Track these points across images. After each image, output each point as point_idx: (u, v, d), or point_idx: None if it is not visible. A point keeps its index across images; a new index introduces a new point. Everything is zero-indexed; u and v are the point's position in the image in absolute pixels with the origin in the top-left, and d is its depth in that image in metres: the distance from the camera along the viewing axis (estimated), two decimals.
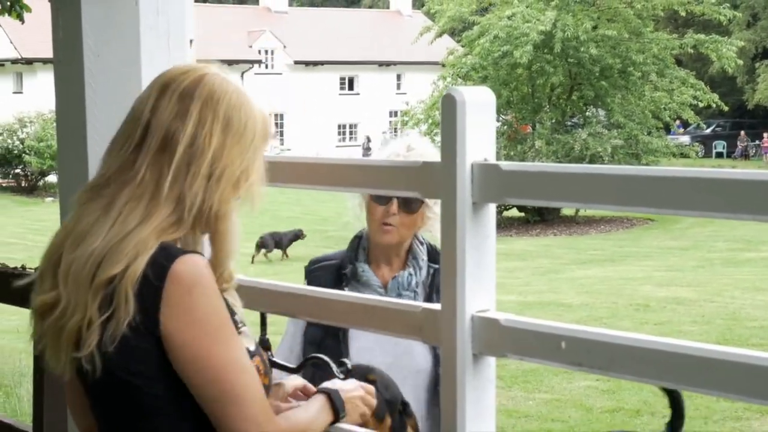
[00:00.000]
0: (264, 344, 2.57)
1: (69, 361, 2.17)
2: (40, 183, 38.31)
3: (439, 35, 32.88)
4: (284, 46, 54.91)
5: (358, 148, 53.12)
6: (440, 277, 2.13)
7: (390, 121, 52.86)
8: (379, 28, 59.03)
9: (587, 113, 30.73)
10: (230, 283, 2.27)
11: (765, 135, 50.87)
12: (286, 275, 17.05)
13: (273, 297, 2.55)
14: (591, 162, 26.75)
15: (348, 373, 2.44)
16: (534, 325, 2.03)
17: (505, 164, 2.04)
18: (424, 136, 3.80)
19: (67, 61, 2.89)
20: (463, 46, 31.94)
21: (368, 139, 52.88)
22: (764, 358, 1.75)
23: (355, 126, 56.92)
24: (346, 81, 57.35)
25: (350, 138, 56.77)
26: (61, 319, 2.14)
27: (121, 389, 2.15)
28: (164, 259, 2.10)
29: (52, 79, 3.07)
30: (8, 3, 9.46)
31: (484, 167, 2.06)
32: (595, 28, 29.30)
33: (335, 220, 23.83)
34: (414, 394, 3.02)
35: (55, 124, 3.12)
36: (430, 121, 29.88)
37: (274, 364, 2.56)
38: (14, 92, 47.78)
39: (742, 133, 52.80)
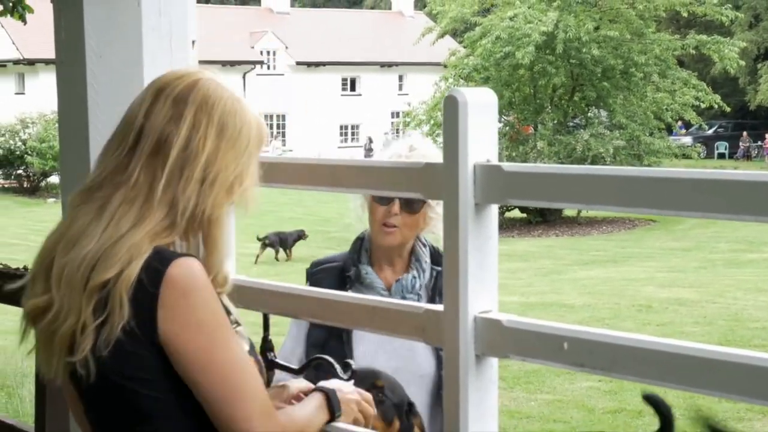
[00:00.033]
0: (267, 345, 2.57)
1: (62, 366, 2.17)
2: (42, 184, 38.33)
3: (441, 36, 32.87)
4: (286, 47, 54.92)
5: (359, 149, 53.12)
6: (443, 278, 2.12)
7: (392, 122, 52.88)
8: (381, 29, 59.04)
9: (589, 114, 30.72)
10: (224, 286, 2.27)
11: (767, 136, 50.85)
12: (288, 276, 17.05)
13: (276, 298, 2.55)
14: (593, 163, 26.77)
15: (352, 374, 2.44)
16: (536, 326, 2.03)
17: (508, 165, 2.04)
18: (426, 137, 3.79)
19: (70, 62, 2.89)
20: (465, 47, 31.95)
21: (370, 140, 52.88)
22: (766, 359, 1.75)
23: (357, 127, 56.93)
24: (348, 82, 57.37)
25: (352, 139, 56.78)
26: (53, 323, 2.14)
27: (116, 393, 2.15)
28: (159, 263, 2.10)
29: (54, 80, 3.07)
30: (10, 4, 9.46)
31: (487, 168, 2.06)
32: (597, 28, 29.29)
33: (337, 221, 23.83)
34: (418, 398, 3.01)
35: (57, 125, 3.12)
36: (432, 122, 29.87)
37: (277, 365, 2.56)
38: (16, 93, 47.80)
39: (744, 134, 52.77)
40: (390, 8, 65.21)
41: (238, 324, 2.28)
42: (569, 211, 28.38)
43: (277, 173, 2.58)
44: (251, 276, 2.72)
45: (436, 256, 3.31)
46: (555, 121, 29.83)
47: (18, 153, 37.13)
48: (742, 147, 52.52)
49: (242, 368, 2.15)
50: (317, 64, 55.74)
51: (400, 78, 57.57)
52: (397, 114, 47.38)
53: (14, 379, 9.08)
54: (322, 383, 2.41)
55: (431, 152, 3.23)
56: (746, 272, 18.09)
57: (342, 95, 57.01)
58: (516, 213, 29.03)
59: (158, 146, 2.17)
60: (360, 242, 3.34)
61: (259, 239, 21.82)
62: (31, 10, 9.55)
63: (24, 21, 9.56)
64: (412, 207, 3.21)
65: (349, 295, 2.51)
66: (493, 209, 2.10)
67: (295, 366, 2.63)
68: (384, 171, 2.35)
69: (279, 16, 57.97)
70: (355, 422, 2.40)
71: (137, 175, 2.16)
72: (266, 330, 2.59)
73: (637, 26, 29.59)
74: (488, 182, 2.05)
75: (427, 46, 33.83)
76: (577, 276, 18.68)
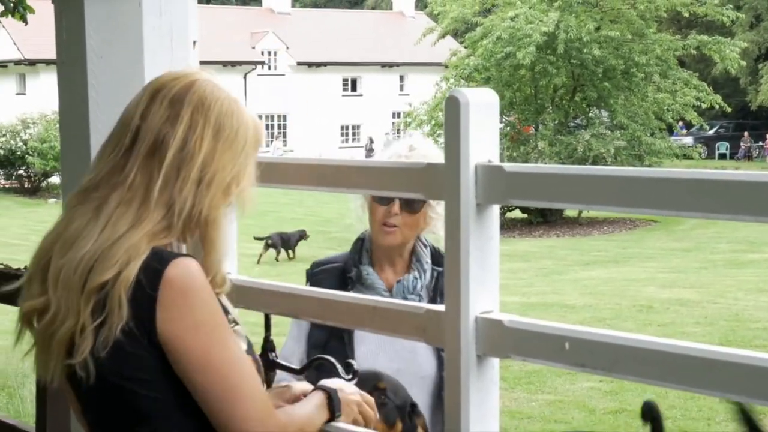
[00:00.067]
0: (268, 345, 2.57)
1: (60, 368, 2.16)
2: (43, 184, 38.33)
3: (442, 36, 32.88)
4: (287, 47, 54.92)
5: (361, 149, 53.13)
6: (444, 278, 2.12)
7: (393, 123, 52.88)
8: (382, 29, 59.05)
9: (590, 114, 30.71)
10: (223, 287, 2.27)
11: None
12: (290, 276, 17.05)
13: (277, 298, 2.55)
14: (594, 163, 26.77)
15: (354, 375, 2.44)
16: (537, 326, 2.03)
17: (509, 165, 2.04)
18: (427, 137, 3.78)
19: (70, 62, 2.90)
20: (466, 48, 31.95)
21: (371, 141, 52.89)
22: (767, 360, 1.74)
23: (358, 127, 56.94)
24: (349, 82, 57.37)
25: (353, 139, 56.79)
26: (51, 325, 2.14)
27: (114, 394, 2.15)
28: (157, 263, 2.10)
29: (55, 80, 3.07)
30: (11, 4, 9.46)
31: (488, 168, 2.06)
32: (598, 29, 29.29)
33: (338, 221, 23.84)
34: (419, 400, 3.01)
35: (58, 125, 3.13)
36: (433, 122, 29.88)
37: (278, 366, 2.56)
38: (17, 93, 47.82)
39: (746, 134, 52.77)
40: (391, 8, 65.20)
41: (236, 323, 2.28)
42: (570, 212, 28.38)
43: (278, 173, 2.58)
44: (253, 276, 2.72)
45: (436, 257, 3.31)
46: (556, 122, 29.84)
47: (19, 153, 37.14)
48: (743, 147, 52.51)
49: (241, 368, 2.15)
50: (318, 65, 55.75)
51: (401, 78, 57.57)
52: (398, 114, 47.39)
53: (15, 379, 9.08)
54: (324, 382, 2.41)
55: (431, 152, 3.23)
56: (747, 273, 18.08)
57: (343, 95, 57.01)
58: (517, 213, 29.03)
59: (155, 147, 2.17)
60: (361, 243, 3.33)
61: (256, 239, 21.79)
62: (32, 11, 9.55)
63: (25, 21, 9.56)
64: (412, 207, 3.20)
65: (350, 295, 2.51)
66: (495, 209, 2.10)
67: (296, 366, 2.63)
68: (385, 171, 2.35)
69: (280, 16, 57.98)
70: (355, 423, 2.40)
71: (134, 176, 2.16)
72: (267, 330, 2.59)
73: (638, 26, 29.59)
74: (489, 182, 2.05)
75: (428, 46, 33.84)
76: (578, 276, 18.68)
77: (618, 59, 29.06)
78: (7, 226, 27.91)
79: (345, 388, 2.41)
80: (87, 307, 2.09)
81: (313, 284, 3.21)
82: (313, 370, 2.57)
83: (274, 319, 2.62)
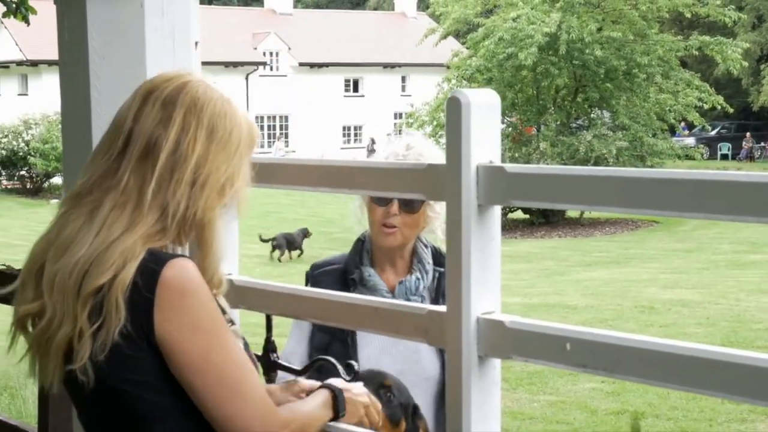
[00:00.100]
0: (270, 346, 2.57)
1: (58, 373, 2.16)
2: (45, 185, 38.34)
3: (444, 37, 32.87)
4: (289, 48, 54.94)
5: (362, 150, 53.13)
6: (445, 279, 2.12)
7: (395, 123, 52.86)
8: (384, 30, 59.06)
9: (592, 115, 30.70)
10: (220, 288, 2.26)
11: None
12: (292, 277, 17.05)
13: (279, 299, 2.55)
14: (596, 164, 26.75)
15: (355, 376, 2.44)
16: (539, 327, 2.03)
17: (510, 166, 2.04)
18: (424, 136, 3.76)
19: (73, 62, 2.90)
20: (467, 48, 31.94)
21: (372, 141, 52.88)
22: None
23: (360, 128, 56.94)
24: (351, 83, 57.38)
25: (355, 140, 56.80)
26: (47, 331, 2.13)
27: (113, 397, 2.14)
28: (153, 264, 2.10)
29: (57, 81, 3.07)
30: (14, 5, 9.47)
31: (490, 169, 2.06)
32: (599, 29, 29.28)
33: (339, 222, 23.85)
34: (423, 401, 3.01)
35: (60, 126, 3.13)
36: (434, 122, 29.88)
37: (280, 366, 2.56)
38: (19, 94, 47.86)
39: (748, 134, 52.76)
40: (393, 9, 65.23)
41: (233, 323, 2.27)
42: (572, 213, 28.37)
43: (279, 174, 2.58)
44: (254, 277, 2.72)
45: (437, 257, 3.30)
46: (558, 122, 29.83)
47: (21, 154, 37.14)
48: (745, 148, 52.50)
49: (240, 367, 2.15)
50: (320, 65, 55.76)
51: (403, 79, 57.59)
52: (400, 115, 47.37)
53: (17, 380, 9.08)
54: (330, 381, 2.41)
55: (428, 151, 3.22)
56: (749, 273, 18.07)
57: (345, 96, 57.02)
58: (519, 214, 29.02)
59: (147, 150, 2.16)
60: (361, 244, 3.32)
61: (262, 240, 21.97)
62: (34, 12, 9.56)
63: (27, 22, 9.57)
64: (411, 207, 3.19)
65: (351, 296, 2.51)
66: (496, 210, 2.10)
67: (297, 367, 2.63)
68: (387, 172, 2.35)
69: (282, 17, 58.00)
70: (359, 424, 2.40)
71: (127, 179, 2.15)
72: (269, 331, 2.59)
73: (640, 27, 29.57)
74: (491, 183, 2.05)
75: (430, 47, 33.84)
76: (579, 277, 18.67)
77: (620, 60, 29.04)
78: (9, 227, 27.91)
79: (353, 388, 2.41)
80: (83, 311, 2.08)
81: (313, 286, 3.18)
82: (314, 371, 2.57)
83: (275, 320, 2.62)
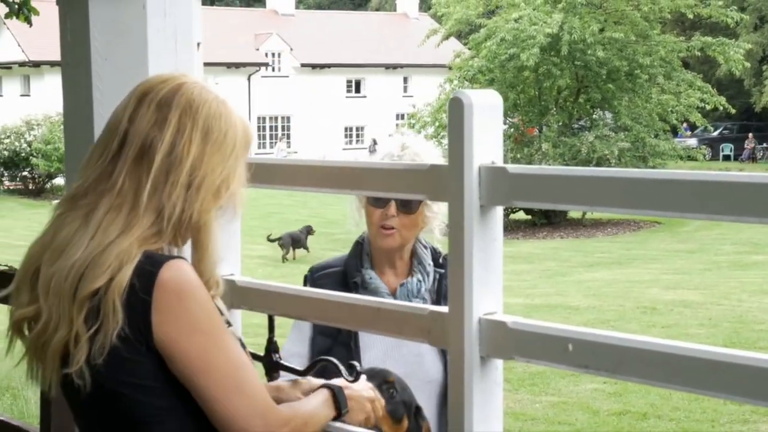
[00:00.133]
0: (272, 346, 2.57)
1: (55, 377, 2.15)
2: (48, 186, 38.35)
3: (446, 38, 32.87)
4: (291, 49, 54.94)
5: (364, 150, 53.12)
6: (447, 279, 2.13)
7: (397, 124, 52.82)
8: (386, 31, 59.05)
9: (594, 116, 30.69)
10: (217, 289, 2.26)
11: None
12: (294, 278, 17.05)
13: (281, 299, 2.55)
14: (598, 165, 26.75)
15: (357, 376, 2.44)
16: (541, 328, 2.03)
17: (513, 167, 2.04)
18: (419, 135, 3.74)
19: (75, 63, 2.90)
20: (469, 49, 31.93)
21: (374, 142, 52.84)
22: None
23: (362, 129, 56.94)
24: (353, 84, 57.38)
25: (357, 141, 56.79)
26: (44, 335, 2.12)
27: (111, 401, 2.14)
28: (150, 266, 2.09)
29: (59, 81, 3.08)
30: (16, 6, 9.48)
31: (492, 170, 2.06)
32: (602, 30, 29.28)
33: (341, 222, 23.87)
34: (426, 404, 3.00)
35: (62, 127, 3.13)
36: (437, 123, 29.88)
37: (282, 367, 2.56)
38: (21, 95, 47.88)
39: (750, 135, 52.73)
40: (395, 10, 65.22)
41: (230, 324, 2.27)
42: (574, 213, 28.37)
43: (282, 175, 2.58)
44: (256, 277, 2.72)
45: (437, 258, 3.29)
46: (560, 123, 29.81)
47: (23, 155, 37.15)
48: (747, 149, 52.47)
49: (240, 367, 2.15)
50: (322, 66, 55.76)
51: (405, 80, 57.57)
52: (402, 116, 47.41)
53: (19, 380, 9.08)
54: (331, 380, 2.41)
55: (424, 150, 3.21)
56: (751, 274, 18.06)
57: (347, 97, 57.02)
58: (521, 215, 29.03)
59: (142, 152, 2.15)
60: (360, 246, 3.30)
61: (270, 240, 22.24)
62: (36, 12, 9.57)
63: (29, 23, 9.57)
64: (409, 207, 3.17)
65: (353, 296, 2.51)
66: (498, 211, 2.10)
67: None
68: (389, 173, 2.35)
69: (284, 17, 58.00)
70: (367, 420, 2.41)
71: (122, 181, 2.14)
72: (271, 331, 2.59)
73: (642, 28, 29.56)
74: (493, 184, 2.05)
75: (432, 47, 33.83)
76: (581, 278, 18.67)
77: (622, 61, 29.04)
78: (11, 228, 27.92)
79: (355, 385, 2.41)
80: (80, 315, 2.08)
81: None
82: (317, 371, 2.56)
83: (277, 320, 2.62)
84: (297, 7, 62.59)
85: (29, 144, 37.17)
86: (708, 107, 30.35)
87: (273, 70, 54.96)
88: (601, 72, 29.28)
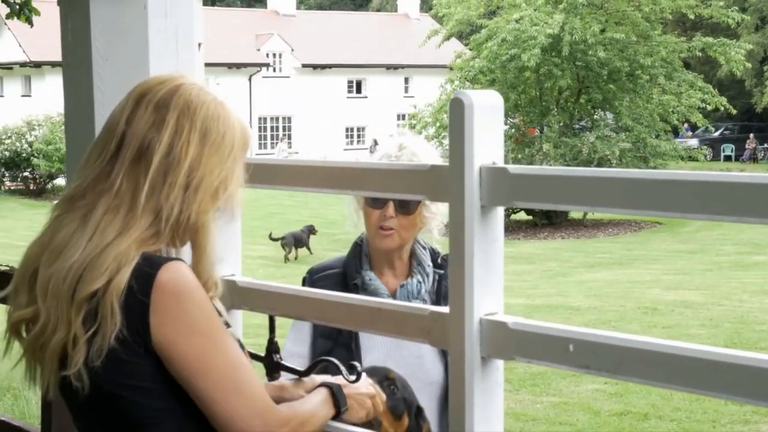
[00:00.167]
0: (273, 347, 2.57)
1: (53, 379, 2.15)
2: (49, 186, 38.35)
3: (447, 38, 32.87)
4: (292, 50, 54.94)
5: (366, 151, 53.11)
6: (448, 280, 2.13)
7: (398, 124, 52.80)
8: (387, 32, 59.05)
9: (595, 116, 30.69)
10: (216, 291, 2.26)
11: None
12: (295, 278, 17.03)
13: (282, 300, 2.55)
14: (599, 165, 26.74)
15: (358, 376, 2.44)
16: (542, 328, 2.03)
17: (513, 167, 2.04)
18: (416, 135, 3.71)
19: (76, 64, 2.90)
20: (470, 50, 31.93)
21: (375, 142, 52.81)
22: None
23: (363, 129, 56.94)
24: (354, 84, 57.38)
25: (358, 141, 56.79)
26: (42, 336, 2.12)
27: (110, 403, 2.14)
28: (148, 268, 2.09)
29: (60, 82, 3.08)
30: (17, 6, 9.48)
31: (493, 170, 2.06)
32: (603, 31, 29.27)
33: (342, 223, 23.86)
34: (427, 406, 2.99)
35: (63, 127, 3.13)
36: (437, 124, 29.87)
37: (283, 367, 2.56)
38: (23, 95, 47.89)
39: (751, 136, 52.73)
40: (396, 10, 65.23)
41: (228, 325, 2.27)
42: (575, 214, 28.36)
43: (283, 175, 2.58)
44: (257, 278, 2.72)
45: (436, 259, 3.29)
46: (561, 124, 29.81)
47: (24, 155, 37.15)
48: (748, 149, 52.47)
49: (239, 368, 2.16)
50: (323, 67, 55.76)
51: (406, 80, 57.57)
52: (403, 116, 47.40)
53: (20, 381, 9.07)
54: (330, 379, 2.42)
55: (422, 150, 3.21)
56: (752, 275, 18.06)
57: (348, 97, 57.02)
58: (522, 215, 29.02)
59: (140, 153, 2.15)
60: (359, 247, 3.29)
61: (272, 239, 22.33)
62: (37, 13, 9.56)
63: (31, 23, 9.57)
64: (407, 208, 3.16)
65: (354, 297, 2.51)
66: (499, 211, 2.10)
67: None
68: (390, 173, 2.35)
69: (285, 18, 58.00)
70: (368, 416, 2.41)
71: (120, 182, 2.14)
72: (272, 332, 2.59)
73: (643, 28, 29.56)
74: (494, 184, 2.05)
75: (433, 48, 33.83)
76: (582, 278, 18.66)
77: (623, 61, 29.03)
78: (13, 228, 27.93)
79: (356, 383, 2.41)
80: (78, 317, 2.07)
81: None
82: (318, 372, 2.56)
83: (278, 321, 2.62)
84: (298, 8, 62.60)
85: (30, 144, 37.16)
86: (709, 108, 30.35)
87: (274, 70, 54.97)
88: (602, 72, 29.28)
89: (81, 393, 2.12)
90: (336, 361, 2.48)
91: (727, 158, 52.66)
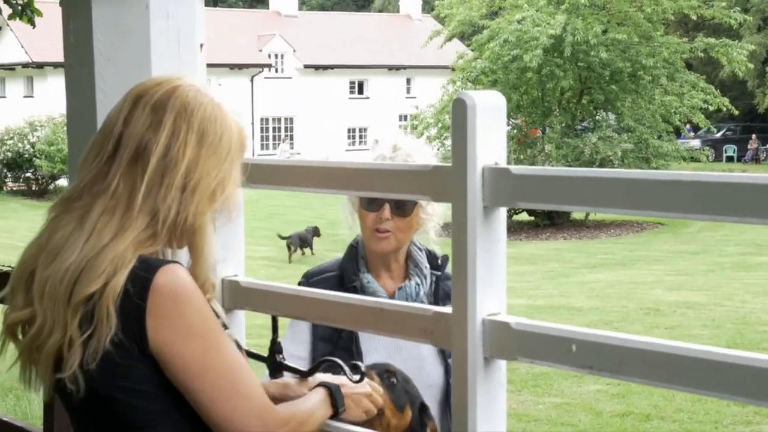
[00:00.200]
0: (275, 347, 2.57)
1: (49, 381, 2.15)
2: (51, 187, 38.34)
3: (449, 39, 32.88)
4: (294, 50, 54.94)
5: (368, 151, 52.99)
6: (450, 280, 2.13)
7: (400, 125, 52.78)
8: (389, 32, 59.03)
9: (597, 117, 30.69)
10: (213, 293, 2.26)
11: None
12: (297, 279, 17.01)
13: (284, 300, 2.55)
14: (601, 166, 26.71)
15: (362, 376, 2.44)
16: (544, 329, 2.03)
17: (516, 168, 2.04)
18: (409, 135, 3.70)
19: (78, 64, 2.90)
20: (472, 50, 31.94)
21: (377, 143, 52.79)
22: None
23: (365, 130, 56.92)
24: (356, 85, 57.36)
25: (360, 142, 56.77)
26: (38, 338, 2.12)
27: (105, 406, 2.13)
28: (145, 271, 2.09)
29: (62, 83, 3.08)
30: (19, 7, 9.48)
31: (495, 171, 2.06)
32: (605, 32, 29.27)
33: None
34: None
35: (65, 128, 3.13)
36: (439, 125, 29.87)
37: (286, 367, 2.56)
38: (25, 96, 47.90)
39: (753, 136, 52.69)
40: (398, 11, 65.21)
41: (226, 327, 2.26)
42: (577, 214, 28.36)
43: (284, 176, 2.58)
44: (259, 278, 2.72)
45: (432, 260, 3.28)
46: (563, 124, 29.81)
47: (26, 156, 37.16)
48: (750, 150, 52.43)
49: (237, 369, 2.16)
50: (325, 67, 55.75)
51: (408, 81, 57.55)
52: (405, 117, 47.33)
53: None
54: (327, 379, 2.42)
55: (416, 151, 3.19)
56: (754, 275, 18.06)
57: (350, 98, 57.00)
58: (524, 216, 29.01)
59: (137, 154, 2.15)
60: (354, 250, 3.28)
61: (281, 238, 22.65)
62: (40, 14, 9.57)
63: (33, 24, 9.58)
64: (403, 210, 3.15)
65: (356, 297, 2.51)
66: (502, 212, 2.10)
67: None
68: (392, 174, 2.35)
69: (287, 19, 57.99)
70: (367, 414, 2.42)
71: (116, 183, 2.14)
72: (275, 332, 2.59)
73: (645, 29, 29.56)
74: (497, 185, 2.05)
75: (435, 49, 33.83)
76: (585, 279, 18.66)
77: (625, 62, 29.03)
78: (15, 229, 27.95)
79: (348, 382, 2.41)
80: (74, 319, 2.07)
81: None
82: (321, 372, 2.56)
83: (281, 321, 2.62)
84: (300, 9, 62.57)
85: (32, 145, 37.17)
86: (711, 108, 30.35)
87: (276, 71, 54.96)
88: (604, 73, 29.28)
89: (76, 396, 2.11)
90: (339, 361, 2.48)
91: (730, 159, 52.63)
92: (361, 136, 57.08)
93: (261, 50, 54.37)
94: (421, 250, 3.28)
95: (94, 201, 2.14)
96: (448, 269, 3.30)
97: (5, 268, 4.39)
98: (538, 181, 2.04)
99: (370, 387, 2.45)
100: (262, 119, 53.71)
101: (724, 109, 30.53)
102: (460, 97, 2.06)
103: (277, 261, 22.31)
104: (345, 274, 3.25)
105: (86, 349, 2.06)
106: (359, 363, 2.48)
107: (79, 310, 2.07)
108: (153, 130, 2.16)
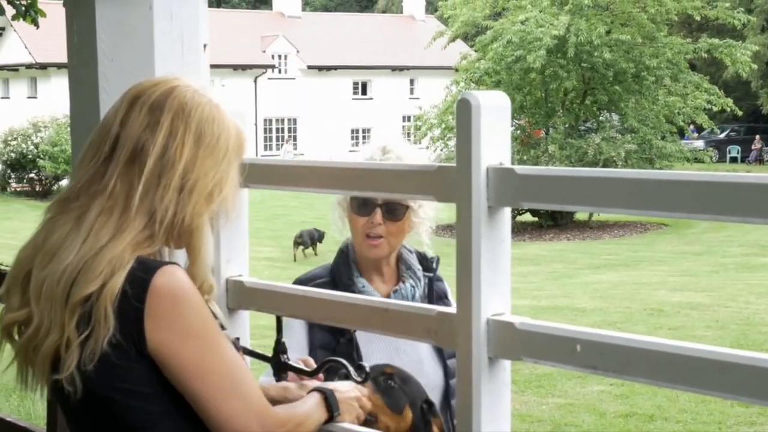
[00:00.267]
0: (280, 347, 2.57)
1: (46, 382, 2.15)
2: (55, 187, 38.38)
3: (453, 40, 32.89)
4: (297, 51, 54.96)
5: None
6: (455, 280, 2.12)
7: (403, 126, 52.86)
8: (393, 33, 59.04)
9: (601, 118, 30.70)
10: (211, 294, 2.25)
11: None
12: None
13: (288, 300, 2.55)
14: (604, 167, 26.69)
15: (366, 377, 2.44)
16: (549, 329, 2.03)
17: (520, 168, 2.04)
18: (397, 136, 3.66)
19: (82, 65, 2.91)
20: (476, 51, 31.95)
21: (366, 144, 52.71)
22: None
23: (368, 131, 56.89)
24: (360, 86, 57.37)
25: (363, 142, 56.73)
26: (34, 339, 2.11)
27: (103, 407, 2.13)
28: (143, 273, 2.08)
29: (66, 83, 3.08)
30: (23, 8, 9.49)
31: (500, 171, 2.06)
32: (608, 32, 29.27)
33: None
34: None
35: (69, 129, 3.13)
36: (443, 125, 29.89)
37: (290, 368, 2.56)
38: (28, 97, 47.94)
39: (757, 137, 52.67)
40: (401, 12, 65.19)
41: (223, 328, 2.26)
42: (581, 215, 28.35)
43: (288, 176, 2.58)
44: (263, 279, 2.72)
45: (424, 262, 3.26)
46: (566, 125, 29.82)
47: (30, 157, 37.23)
48: (754, 150, 52.40)
49: (235, 370, 2.16)
50: (328, 68, 55.76)
51: (412, 82, 57.55)
52: (409, 118, 47.41)
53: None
54: (321, 384, 2.42)
55: (406, 153, 3.17)
56: (758, 276, 18.05)
57: (353, 99, 57.01)
58: (527, 217, 29.02)
59: (134, 155, 2.14)
60: (345, 254, 3.25)
61: (296, 241, 23.28)
62: (43, 14, 9.58)
63: (36, 25, 9.58)
64: (394, 214, 3.12)
65: (361, 297, 2.51)
66: (506, 212, 2.10)
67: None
68: (396, 174, 2.34)
69: (290, 20, 58.00)
70: (359, 418, 2.41)
71: (114, 184, 2.13)
72: (279, 332, 2.59)
73: (648, 30, 29.56)
74: (501, 185, 2.05)
75: (439, 50, 33.86)
76: (588, 280, 18.66)
77: (629, 63, 29.04)
78: (18, 229, 27.93)
79: (340, 387, 2.41)
80: (71, 320, 2.07)
81: None
82: (325, 373, 2.56)
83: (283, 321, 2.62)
84: (303, 9, 62.60)
85: (36, 146, 37.23)
86: (715, 109, 30.36)
87: (279, 72, 54.99)
88: (607, 74, 29.28)
89: (73, 397, 2.11)
90: (344, 361, 2.48)
91: (733, 160, 52.61)
92: (364, 137, 57.02)
93: (264, 51, 54.39)
94: (411, 252, 3.26)
95: (91, 201, 2.14)
96: (440, 271, 3.30)
97: (5, 268, 4.40)
98: (542, 181, 2.04)
99: (359, 391, 2.44)
100: (265, 120, 53.74)
101: (728, 109, 30.52)
102: (465, 97, 2.06)
103: (281, 261, 22.33)
104: (338, 278, 3.20)
105: (84, 350, 2.06)
106: (364, 363, 2.47)
107: (77, 311, 2.07)
108: (150, 130, 2.15)
